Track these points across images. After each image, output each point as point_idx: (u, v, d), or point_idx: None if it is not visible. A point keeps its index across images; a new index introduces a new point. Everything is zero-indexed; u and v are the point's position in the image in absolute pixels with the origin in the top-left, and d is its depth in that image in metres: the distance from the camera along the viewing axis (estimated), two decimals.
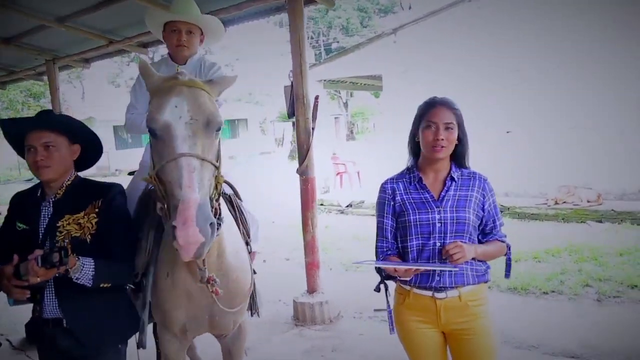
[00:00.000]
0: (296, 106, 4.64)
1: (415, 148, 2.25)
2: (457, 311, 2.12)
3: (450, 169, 2.20)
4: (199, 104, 1.82)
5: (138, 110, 2.95)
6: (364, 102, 37.23)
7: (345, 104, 34.17)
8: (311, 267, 4.85)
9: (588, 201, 8.48)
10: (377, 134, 26.01)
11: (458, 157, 2.21)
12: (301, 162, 4.70)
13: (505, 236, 2.23)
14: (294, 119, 4.79)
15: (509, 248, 2.23)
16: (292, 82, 4.66)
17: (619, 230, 7.68)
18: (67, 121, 2.16)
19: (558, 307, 4.88)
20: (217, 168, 1.85)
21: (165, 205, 1.75)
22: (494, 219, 2.21)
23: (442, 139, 2.10)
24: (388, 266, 2.10)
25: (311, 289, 4.87)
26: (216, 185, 1.85)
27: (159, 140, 1.79)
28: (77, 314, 2.08)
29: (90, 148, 2.26)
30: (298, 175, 4.77)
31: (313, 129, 4.66)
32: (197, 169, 1.71)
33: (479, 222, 2.19)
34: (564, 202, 8.62)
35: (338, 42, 37.85)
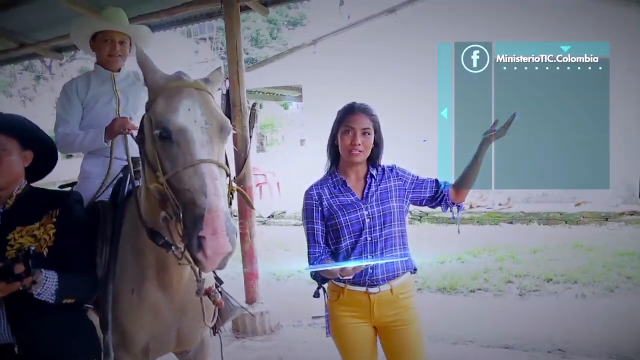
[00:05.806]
0: (233, 114, 4.54)
1: (334, 152, 2.33)
2: (389, 305, 2.24)
3: (368, 168, 2.33)
4: (211, 108, 1.74)
5: (71, 125, 2.78)
6: (273, 113, 37.18)
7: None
8: (250, 277, 4.76)
9: (499, 204, 9.10)
10: (287, 145, 26.09)
11: (374, 158, 2.33)
12: (238, 171, 4.61)
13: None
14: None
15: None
16: (227, 90, 4.59)
17: (528, 230, 8.35)
18: (21, 123, 1.94)
19: (485, 303, 5.18)
20: (229, 175, 1.77)
21: (181, 214, 1.60)
22: (430, 181, 2.36)
23: (359, 144, 2.19)
24: (334, 267, 2.09)
25: (250, 300, 4.76)
26: (231, 193, 1.78)
27: (173, 144, 1.67)
28: (32, 338, 1.83)
29: (43, 155, 2.05)
30: None
31: (250, 137, 4.61)
32: (218, 176, 1.63)
33: (407, 206, 2.34)
34: (478, 206, 9.18)
35: (247, 53, 37.56)
